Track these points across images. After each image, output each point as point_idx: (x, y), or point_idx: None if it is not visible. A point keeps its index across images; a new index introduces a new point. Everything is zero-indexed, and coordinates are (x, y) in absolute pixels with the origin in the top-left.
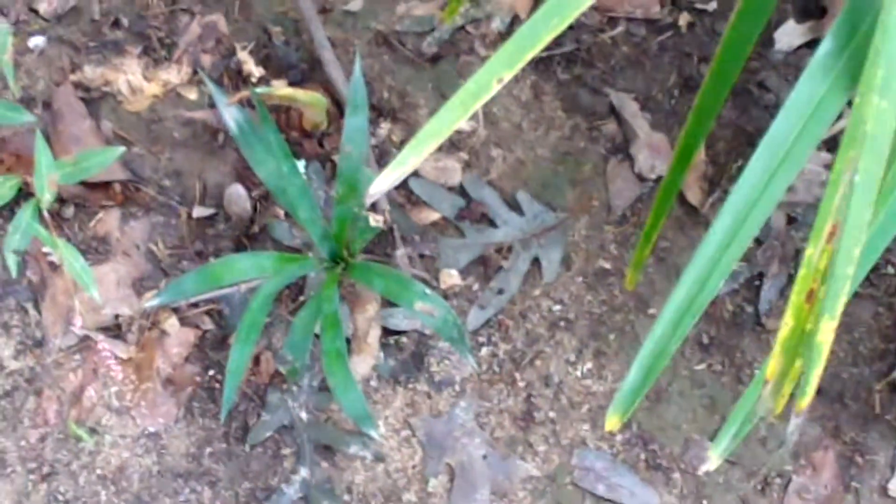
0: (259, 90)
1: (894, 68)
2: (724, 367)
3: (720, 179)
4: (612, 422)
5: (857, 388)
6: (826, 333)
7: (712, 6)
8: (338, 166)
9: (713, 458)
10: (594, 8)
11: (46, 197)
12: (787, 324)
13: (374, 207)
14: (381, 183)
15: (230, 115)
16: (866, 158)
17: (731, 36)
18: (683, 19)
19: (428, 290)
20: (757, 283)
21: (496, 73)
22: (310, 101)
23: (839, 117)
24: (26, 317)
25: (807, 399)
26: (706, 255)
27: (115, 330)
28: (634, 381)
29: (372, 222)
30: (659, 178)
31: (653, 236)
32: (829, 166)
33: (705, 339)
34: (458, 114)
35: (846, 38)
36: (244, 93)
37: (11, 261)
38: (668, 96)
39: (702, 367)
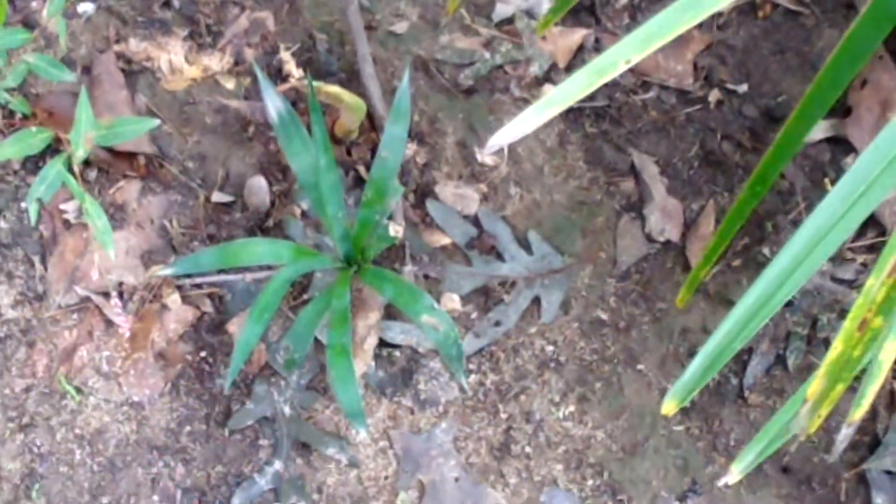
0: (315, 82)
1: None
2: (702, 433)
3: (724, 252)
4: (668, 406)
5: (825, 473)
6: (889, 352)
7: (742, 88)
8: (371, 171)
9: (734, 472)
10: (630, 70)
11: (80, 153)
12: (835, 348)
13: (391, 218)
14: (501, 136)
15: (273, 104)
16: None
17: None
18: (713, 96)
19: (436, 305)
20: (745, 357)
21: (625, 54)
22: (353, 104)
23: None
24: (31, 269)
25: (860, 411)
26: (782, 264)
27: (118, 297)
28: (695, 371)
29: (391, 232)
30: (667, 242)
31: (712, 259)
32: (830, 257)
33: (687, 403)
34: (581, 87)
35: None
36: (295, 83)
37: (33, 209)
38: (688, 166)
39: (680, 428)
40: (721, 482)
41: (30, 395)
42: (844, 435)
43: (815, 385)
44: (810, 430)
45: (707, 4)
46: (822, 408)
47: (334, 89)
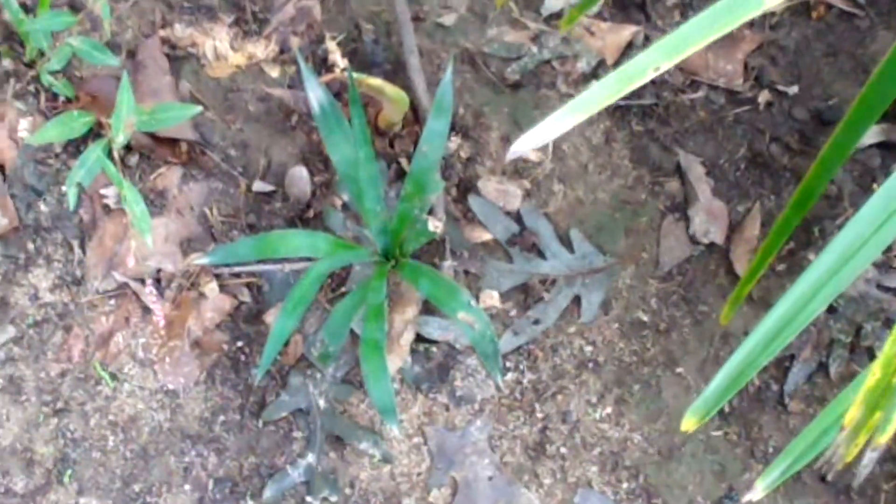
0: (355, 74)
1: None
2: (740, 439)
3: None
4: (689, 423)
5: (864, 484)
6: None
7: (793, 90)
8: (411, 164)
9: (758, 489)
10: (679, 68)
11: (120, 138)
12: (874, 374)
13: (432, 213)
14: (522, 143)
15: (315, 95)
16: None
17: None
18: (763, 97)
19: (473, 302)
20: (787, 364)
21: (655, 61)
22: (395, 97)
23: None
24: (70, 253)
25: (885, 436)
26: (808, 283)
27: (154, 284)
28: (718, 388)
29: (430, 227)
30: (711, 244)
31: (756, 275)
32: (876, 264)
33: (726, 408)
34: (609, 93)
35: None
36: (337, 73)
37: (72, 193)
38: (734, 168)
39: (718, 433)
40: (745, 499)
41: (65, 380)
42: (869, 458)
43: (852, 412)
44: (848, 457)
45: (738, 14)
46: (860, 436)
47: (377, 82)
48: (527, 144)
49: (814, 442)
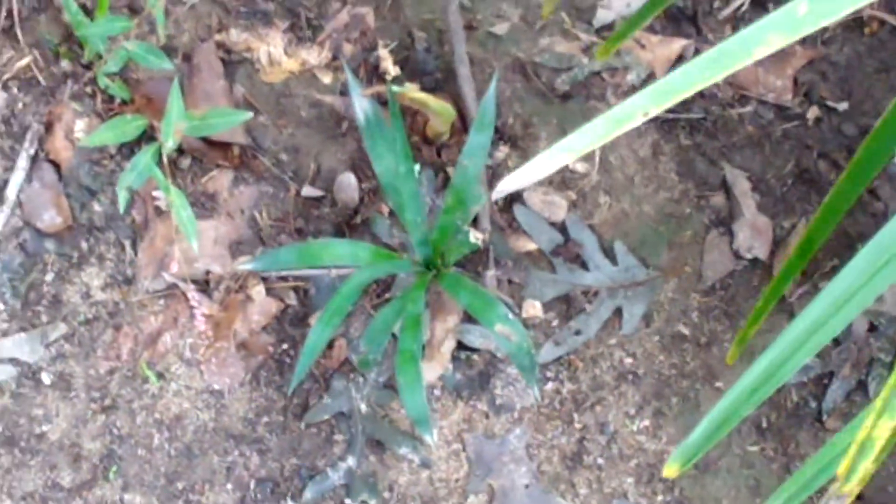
0: (395, 88)
1: None
2: (776, 454)
3: (813, 274)
4: (671, 469)
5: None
6: (883, 430)
7: (843, 106)
8: (452, 178)
9: None
10: (728, 83)
11: (169, 143)
12: (865, 428)
13: (475, 224)
14: (510, 182)
15: (361, 105)
16: None
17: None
18: (812, 113)
19: (510, 315)
20: (826, 381)
21: (644, 106)
22: (439, 109)
23: None
24: (122, 253)
25: (849, 486)
26: (792, 335)
27: (202, 285)
28: (701, 435)
29: (472, 238)
30: (755, 260)
31: (761, 317)
32: None
33: (764, 423)
34: (599, 135)
35: None
36: (380, 87)
37: (122, 196)
38: (781, 184)
39: (755, 448)
40: None
41: (113, 378)
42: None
43: (845, 464)
44: None
45: (726, 63)
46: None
47: (420, 95)
48: (516, 183)
49: (808, 481)
